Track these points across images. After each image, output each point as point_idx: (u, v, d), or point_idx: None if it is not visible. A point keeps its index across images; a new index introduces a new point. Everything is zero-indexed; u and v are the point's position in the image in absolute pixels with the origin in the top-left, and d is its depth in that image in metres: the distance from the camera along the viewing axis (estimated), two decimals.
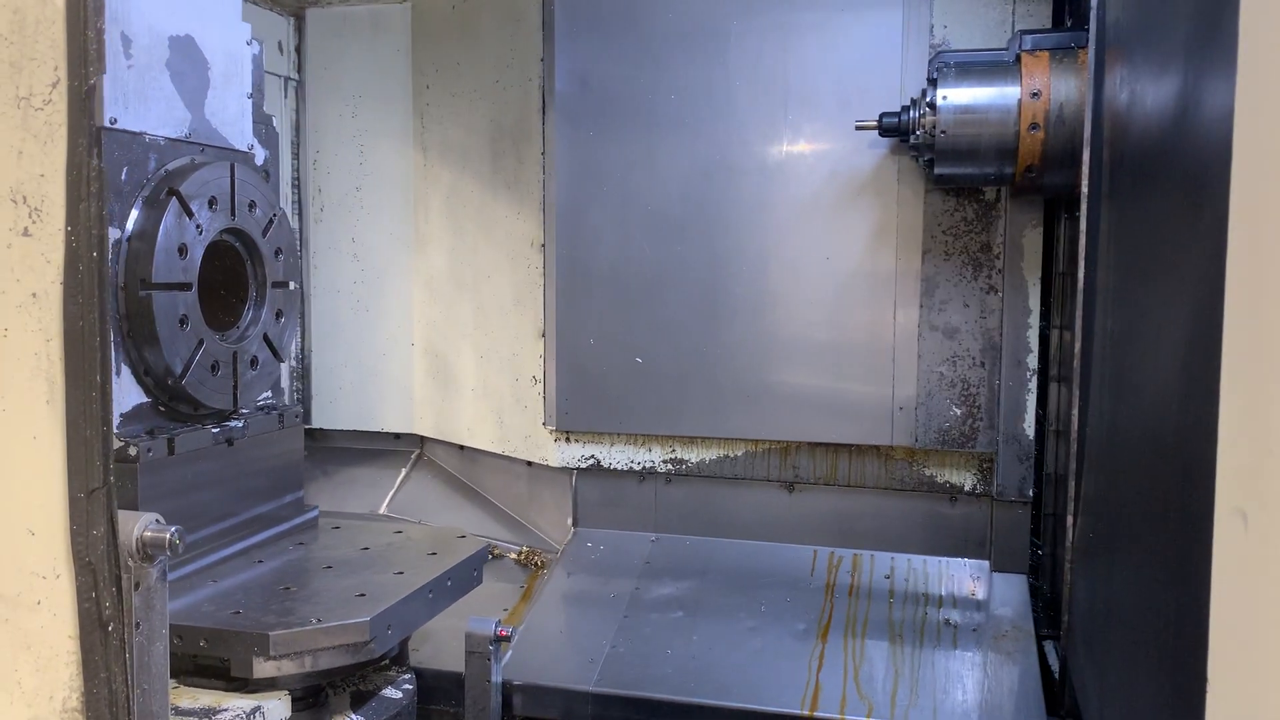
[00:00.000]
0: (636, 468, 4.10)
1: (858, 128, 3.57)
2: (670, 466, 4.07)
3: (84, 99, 1.16)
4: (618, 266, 4.00)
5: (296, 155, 4.74)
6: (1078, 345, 3.07)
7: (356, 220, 4.70)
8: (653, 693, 3.26)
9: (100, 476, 1.20)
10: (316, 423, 4.77)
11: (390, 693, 2.89)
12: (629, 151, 3.96)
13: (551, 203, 4.05)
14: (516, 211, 4.18)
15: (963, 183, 3.51)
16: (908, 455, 3.87)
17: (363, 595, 2.61)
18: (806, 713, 3.17)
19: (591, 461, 4.14)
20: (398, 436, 4.80)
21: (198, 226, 2.66)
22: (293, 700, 2.60)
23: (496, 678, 2.98)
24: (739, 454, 4.02)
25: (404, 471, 4.75)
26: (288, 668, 2.44)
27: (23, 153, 1.18)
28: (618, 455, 4.11)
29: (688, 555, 3.99)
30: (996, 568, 3.77)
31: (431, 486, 4.69)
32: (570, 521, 4.18)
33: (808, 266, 3.85)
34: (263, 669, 2.41)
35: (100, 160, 1.18)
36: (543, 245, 4.09)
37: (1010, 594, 3.71)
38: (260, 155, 3.08)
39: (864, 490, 3.93)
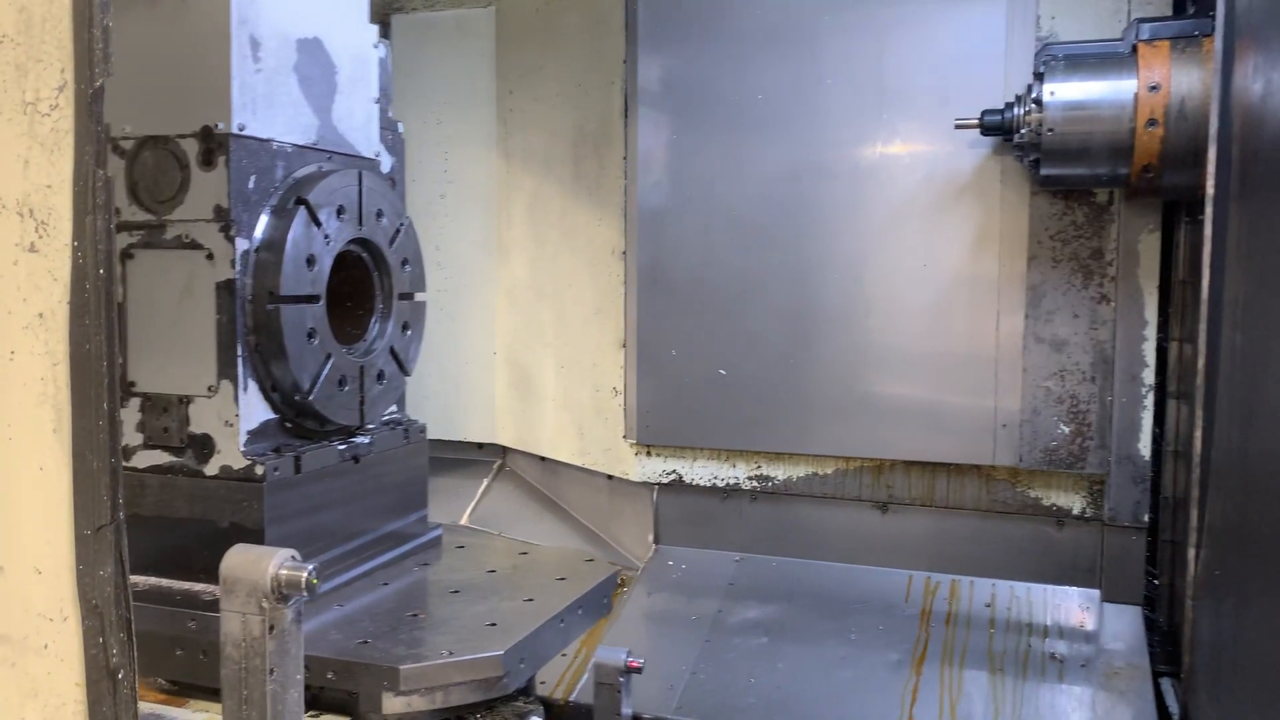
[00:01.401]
0: (720, 484, 3.94)
1: (957, 126, 3.36)
2: (755, 484, 3.90)
3: (90, 103, 1.06)
4: (701, 274, 3.84)
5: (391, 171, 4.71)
6: (1201, 360, 2.80)
7: (441, 228, 4.65)
8: None
9: (108, 512, 1.11)
10: None
11: None
12: (714, 154, 3.81)
13: (633, 208, 3.92)
14: (598, 218, 4.06)
15: (1072, 184, 3.27)
16: (1011, 475, 3.63)
17: (493, 625, 2.46)
18: None
19: (673, 477, 3.99)
20: (480, 446, 4.73)
21: (325, 237, 2.56)
22: None
23: (627, 710, 2.82)
24: (829, 472, 3.82)
25: (485, 482, 4.67)
26: (418, 704, 2.30)
27: (29, 162, 1.09)
28: (700, 471, 3.96)
29: (774, 577, 3.81)
30: (1108, 598, 3.50)
31: (513, 497, 4.61)
32: (651, 538, 4.04)
33: (903, 274, 3.64)
34: (392, 705, 2.28)
35: (107, 170, 1.09)
36: (624, 252, 3.96)
37: (1123, 627, 3.44)
38: (386, 162, 2.99)
39: (963, 512, 3.70)
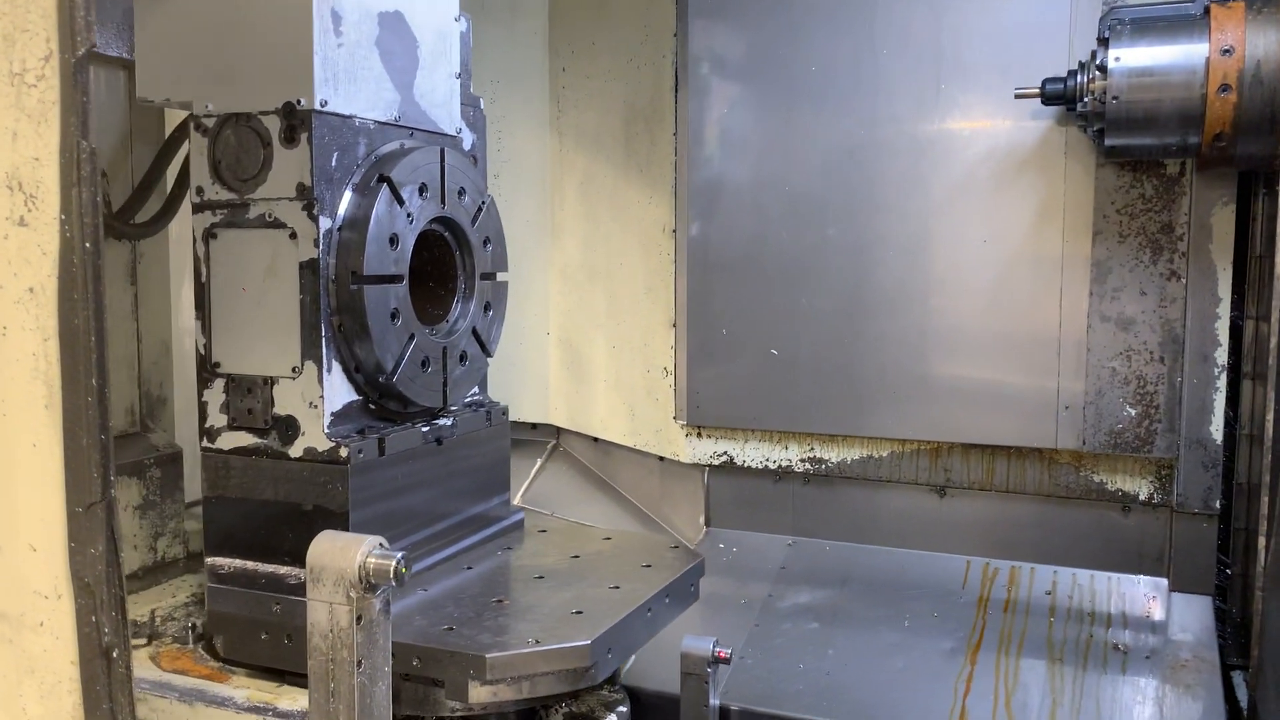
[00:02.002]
0: (772, 466, 3.87)
1: (1017, 96, 3.23)
2: (808, 466, 3.82)
3: (75, 73, 1.04)
4: (753, 252, 3.76)
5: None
6: (1274, 339, 2.66)
7: None
8: (781, 710, 3.04)
9: (98, 490, 1.09)
10: None
11: (606, 718, 2.71)
12: (766, 129, 3.72)
13: (684, 185, 3.85)
14: (649, 196, 4.00)
15: (1139, 155, 3.12)
16: (1074, 459, 3.50)
17: (579, 612, 2.42)
18: None
19: (724, 458, 3.93)
20: (534, 426, 4.71)
21: (408, 215, 2.52)
22: None
23: (714, 701, 2.76)
24: (884, 454, 3.73)
25: (539, 462, 4.65)
26: (504, 693, 2.27)
27: (17, 134, 1.08)
28: (752, 453, 3.89)
29: (826, 562, 3.74)
30: (1176, 587, 3.36)
31: (567, 478, 4.59)
32: (703, 520, 3.99)
33: (963, 251, 3.52)
34: (478, 694, 2.24)
35: (91, 141, 1.07)
36: (674, 230, 3.90)
37: (1192, 617, 3.30)
38: (468, 139, 2.94)
39: (1024, 496, 3.58)
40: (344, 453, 2.38)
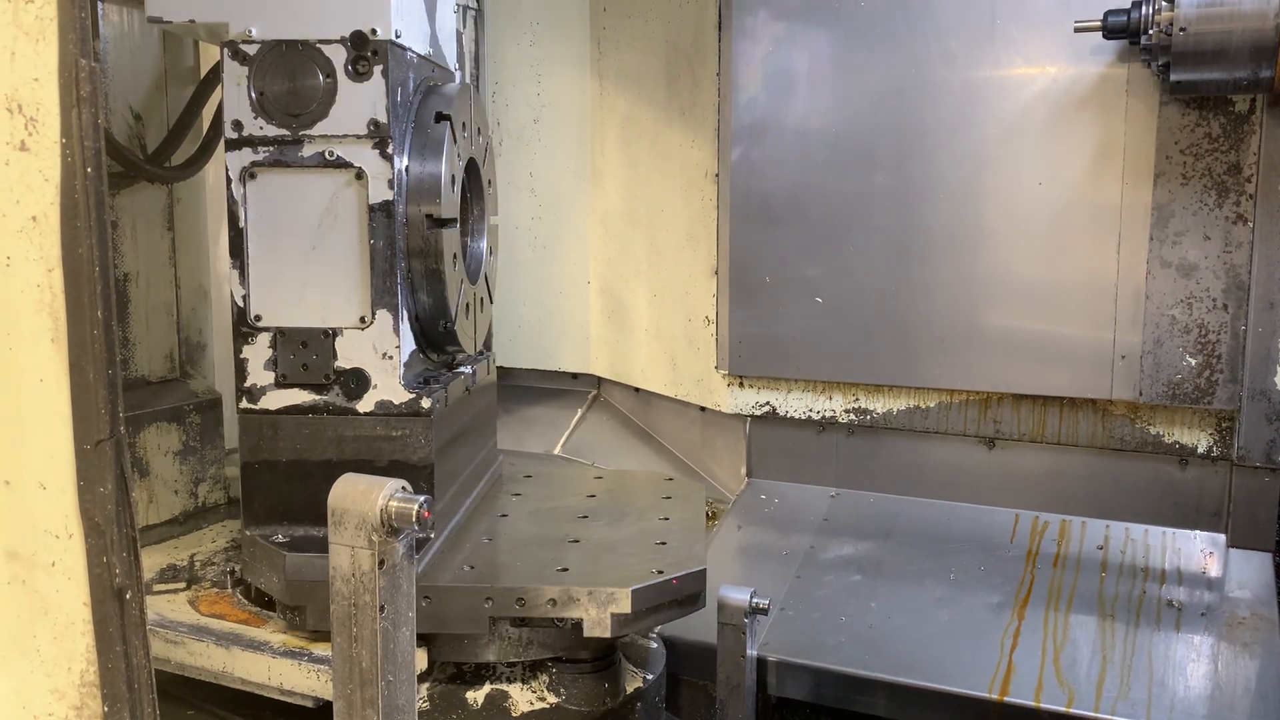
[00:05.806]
0: (816, 417, 3.79)
1: (1077, 29, 3.08)
2: (853, 417, 3.73)
3: None
4: (798, 197, 3.66)
5: (477, 87, 4.62)
6: None
7: (534, 154, 4.55)
8: (821, 662, 2.98)
9: (106, 426, 1.06)
10: (498, 360, 4.70)
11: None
12: (812, 69, 3.60)
13: (726, 128, 3.74)
14: (691, 140, 3.90)
15: (1207, 91, 2.97)
16: (1130, 410, 3.38)
17: (663, 543, 2.51)
18: (995, 697, 2.82)
19: (767, 409, 3.85)
20: (575, 376, 4.67)
21: (458, 155, 2.41)
22: (587, 661, 2.47)
23: (751, 651, 2.75)
24: (931, 405, 3.63)
25: (580, 412, 4.62)
26: (632, 625, 2.35)
27: (16, 53, 1.03)
28: (795, 403, 3.81)
29: (871, 514, 3.66)
30: (1234, 543, 3.25)
31: (607, 428, 4.55)
32: (744, 471, 3.92)
33: (1016, 194, 3.39)
34: (611, 627, 2.28)
35: (93, 60, 1.01)
36: (717, 175, 3.80)
37: (1250, 574, 3.19)
38: (456, 76, 2.84)
39: (1076, 449, 3.47)
40: (426, 403, 2.26)
